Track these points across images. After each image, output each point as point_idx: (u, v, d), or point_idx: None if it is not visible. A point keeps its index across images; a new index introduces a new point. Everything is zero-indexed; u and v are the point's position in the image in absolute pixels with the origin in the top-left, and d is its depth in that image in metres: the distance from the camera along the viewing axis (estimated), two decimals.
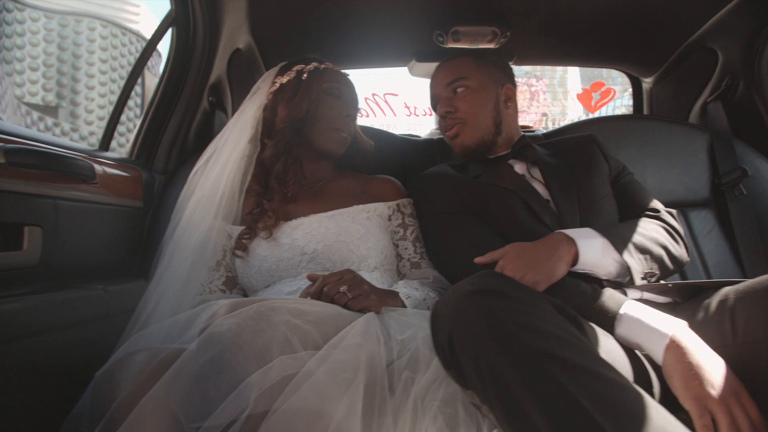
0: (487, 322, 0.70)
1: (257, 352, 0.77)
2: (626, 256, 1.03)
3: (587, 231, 1.06)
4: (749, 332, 0.80)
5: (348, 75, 1.41)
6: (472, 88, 1.33)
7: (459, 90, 1.34)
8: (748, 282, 0.85)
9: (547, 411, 0.62)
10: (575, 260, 1.02)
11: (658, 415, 0.61)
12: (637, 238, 1.08)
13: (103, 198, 1.19)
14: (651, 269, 1.07)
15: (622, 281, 1.04)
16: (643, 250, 1.07)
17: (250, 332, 0.79)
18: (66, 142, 1.15)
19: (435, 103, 1.41)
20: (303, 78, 1.32)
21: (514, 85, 1.41)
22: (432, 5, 1.65)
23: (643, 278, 1.04)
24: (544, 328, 0.69)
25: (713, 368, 0.75)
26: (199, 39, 1.45)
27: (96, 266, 1.20)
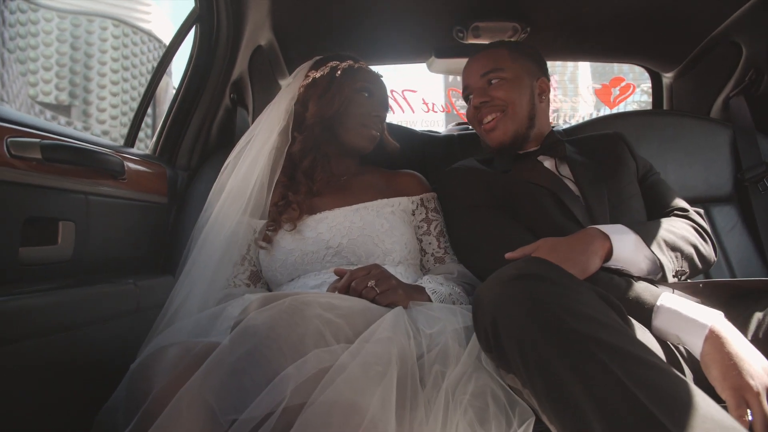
0: (533, 305, 0.71)
1: (292, 345, 0.77)
2: (658, 253, 1.03)
3: (620, 227, 1.06)
4: None
5: (381, 77, 1.42)
6: (508, 79, 1.32)
7: (494, 81, 1.33)
8: None
9: (593, 394, 0.62)
10: (608, 256, 1.02)
11: (704, 402, 0.60)
12: (668, 235, 1.08)
13: (131, 194, 1.21)
14: (682, 267, 1.06)
15: (654, 278, 1.04)
16: (674, 248, 1.06)
17: (285, 326, 0.79)
18: (94, 138, 1.17)
19: (467, 93, 1.39)
20: (337, 74, 1.33)
21: (548, 78, 1.40)
22: (452, 1, 1.64)
23: (674, 276, 1.04)
24: (588, 313, 0.69)
25: (752, 359, 0.75)
26: (222, 36, 1.46)
27: (125, 261, 1.22)
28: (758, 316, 0.92)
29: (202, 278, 1.16)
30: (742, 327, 0.91)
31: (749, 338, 0.86)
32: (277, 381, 0.73)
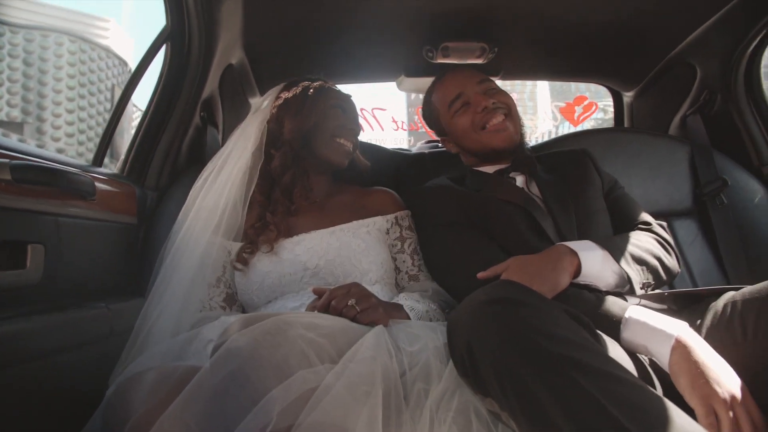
0: (506, 329, 0.72)
1: (276, 366, 0.76)
2: (625, 266, 1.06)
3: (587, 243, 1.09)
4: (759, 332, 0.83)
5: (351, 96, 1.44)
6: (501, 90, 1.40)
7: (491, 90, 1.39)
8: (753, 287, 0.89)
9: (571, 414, 0.63)
10: (577, 272, 1.05)
11: (677, 416, 0.63)
12: (633, 249, 1.12)
13: (100, 214, 1.17)
14: (648, 279, 1.10)
15: (622, 291, 1.07)
16: (640, 261, 1.10)
17: (268, 347, 0.78)
18: (63, 158, 1.13)
19: (464, 101, 1.40)
20: (309, 92, 1.35)
21: None
22: (422, 21, 1.67)
23: (641, 288, 1.07)
24: (561, 333, 0.71)
25: (718, 367, 0.78)
26: (194, 54, 1.45)
27: (96, 284, 1.18)
28: (712, 305, 0.96)
29: (173, 300, 1.14)
30: (699, 320, 0.94)
31: (707, 328, 0.90)
32: (262, 404, 0.72)
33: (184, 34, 1.40)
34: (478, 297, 0.79)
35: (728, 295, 0.93)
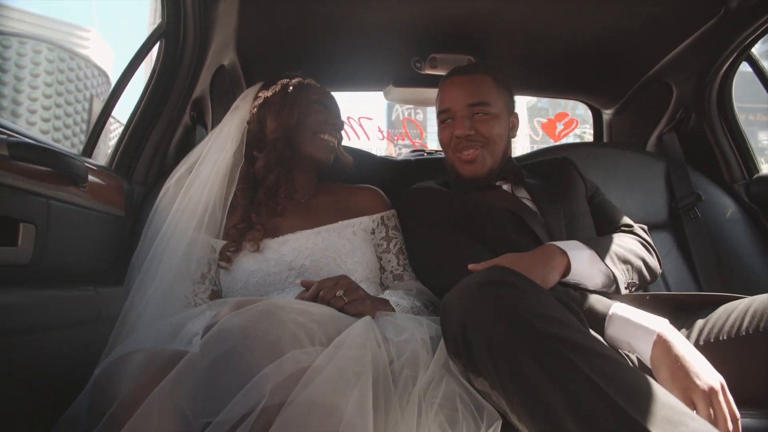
0: (499, 309, 0.75)
1: (269, 346, 0.77)
2: (612, 266, 1.10)
3: (575, 243, 1.13)
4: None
5: (330, 92, 1.45)
6: (492, 114, 1.34)
7: (478, 115, 1.34)
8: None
9: (561, 388, 0.66)
10: (566, 271, 1.08)
11: (660, 391, 0.66)
12: (619, 250, 1.16)
13: (90, 203, 1.17)
14: (632, 279, 1.14)
15: (608, 291, 1.11)
16: (624, 261, 1.14)
17: (260, 328, 0.79)
18: (55, 145, 1.13)
19: (447, 117, 1.39)
20: (289, 90, 1.36)
21: (517, 114, 1.45)
22: (411, 32, 1.72)
23: (626, 288, 1.11)
24: (550, 314, 0.74)
25: (697, 362, 0.81)
26: (187, 53, 1.46)
27: (84, 269, 1.17)
28: (699, 324, 1.01)
29: (156, 294, 1.14)
30: (686, 335, 0.99)
31: (692, 344, 0.94)
32: (255, 380, 0.73)
33: (179, 32, 1.42)
34: (472, 280, 0.82)
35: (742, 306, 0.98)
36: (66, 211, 1.07)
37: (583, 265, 1.09)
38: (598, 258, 1.11)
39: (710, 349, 0.94)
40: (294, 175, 1.37)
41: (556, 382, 0.66)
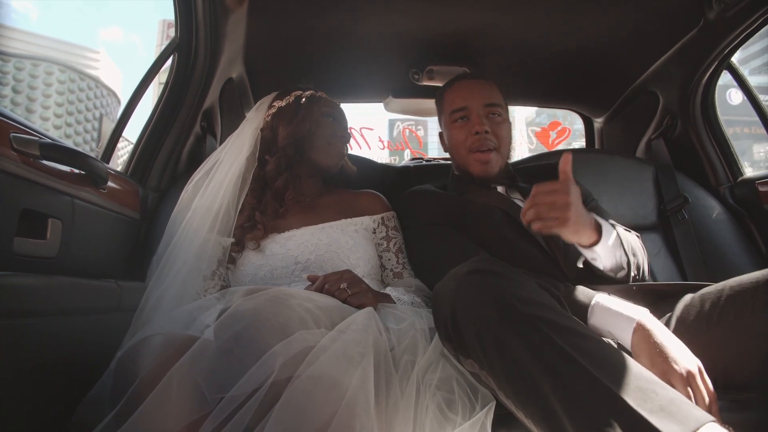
0: (486, 294, 0.81)
1: (278, 328, 0.83)
2: (630, 253, 1.17)
3: (608, 224, 1.18)
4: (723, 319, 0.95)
5: (339, 104, 1.54)
6: (504, 118, 1.44)
7: (493, 116, 1.42)
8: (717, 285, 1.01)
9: (543, 364, 0.72)
10: (593, 243, 1.13)
11: (634, 364, 0.72)
12: (633, 243, 1.23)
13: (109, 204, 1.25)
14: (634, 272, 1.21)
15: (614, 276, 1.18)
16: (633, 254, 1.21)
17: (271, 311, 0.85)
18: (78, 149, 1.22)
19: (462, 115, 1.43)
20: (302, 101, 1.45)
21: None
22: (409, 45, 1.82)
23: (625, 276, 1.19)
24: (533, 298, 0.80)
25: (676, 347, 0.86)
26: (198, 66, 1.55)
27: (104, 266, 1.25)
28: (678, 310, 1.05)
29: (171, 287, 1.20)
30: (665, 323, 1.05)
31: (672, 329, 0.99)
32: (265, 357, 0.78)
33: (191, 46, 1.51)
34: (461, 269, 0.88)
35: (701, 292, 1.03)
36: (88, 210, 1.15)
37: (609, 244, 1.14)
38: (620, 243, 1.17)
39: (687, 334, 0.97)
40: (302, 180, 1.46)
41: (537, 357, 0.72)
